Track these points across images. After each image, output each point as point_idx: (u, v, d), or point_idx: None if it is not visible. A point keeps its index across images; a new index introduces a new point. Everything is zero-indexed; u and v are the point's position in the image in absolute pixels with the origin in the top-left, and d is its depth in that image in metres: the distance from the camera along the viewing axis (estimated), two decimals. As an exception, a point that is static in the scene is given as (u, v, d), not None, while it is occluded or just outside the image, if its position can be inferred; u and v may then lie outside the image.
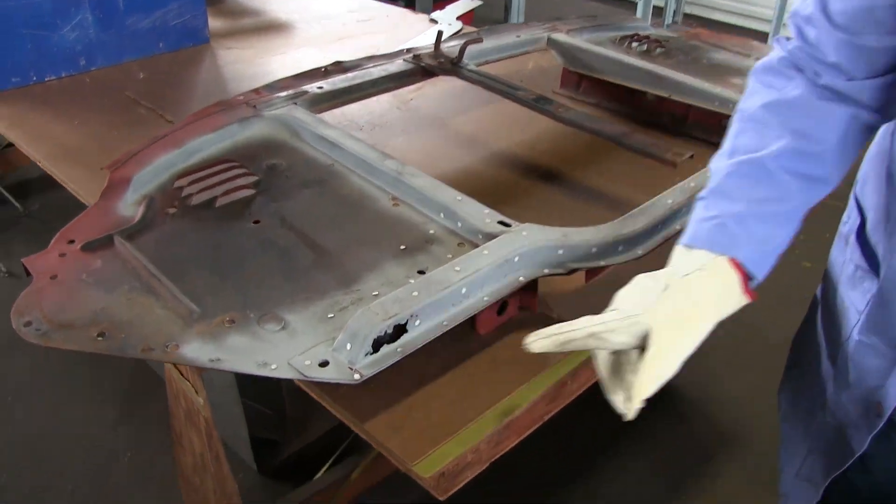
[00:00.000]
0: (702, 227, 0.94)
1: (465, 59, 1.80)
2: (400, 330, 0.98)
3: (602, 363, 0.90)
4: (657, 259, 1.02)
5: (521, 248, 1.10)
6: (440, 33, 1.86)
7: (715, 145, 1.05)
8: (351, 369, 0.94)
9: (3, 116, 1.90)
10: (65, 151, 1.71)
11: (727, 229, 0.92)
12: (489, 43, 1.92)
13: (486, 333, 1.13)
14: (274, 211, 1.28)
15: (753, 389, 2.53)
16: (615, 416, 0.88)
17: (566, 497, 2.18)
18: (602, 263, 1.14)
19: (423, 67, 1.81)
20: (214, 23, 2.53)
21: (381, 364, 0.95)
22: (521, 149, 1.74)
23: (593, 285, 1.21)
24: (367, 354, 0.95)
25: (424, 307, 0.99)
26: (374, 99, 1.81)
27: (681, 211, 1.26)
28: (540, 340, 0.89)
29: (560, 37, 2.01)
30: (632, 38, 2.11)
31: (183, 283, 1.10)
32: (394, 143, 1.73)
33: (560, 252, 1.13)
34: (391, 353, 0.97)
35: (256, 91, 1.65)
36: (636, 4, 5.06)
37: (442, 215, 1.24)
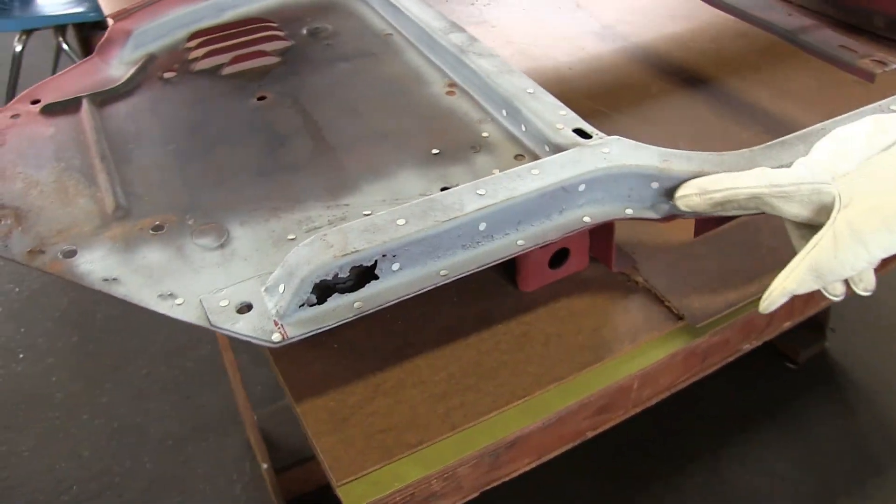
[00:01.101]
0: None
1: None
2: (366, 275, 0.64)
3: (791, 233, 0.69)
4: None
5: (592, 171, 0.71)
6: None
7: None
8: (276, 324, 0.61)
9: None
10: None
11: None
12: None
13: (532, 291, 0.77)
14: (290, 87, 0.96)
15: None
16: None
17: (680, 481, 1.79)
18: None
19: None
20: None
21: (320, 322, 0.62)
22: (669, 45, 1.29)
23: (707, 241, 0.80)
24: (304, 305, 0.62)
25: (409, 244, 0.64)
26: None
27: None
28: (691, 196, 0.69)
29: None
30: None
31: (127, 169, 0.82)
32: (503, 22, 1.33)
33: (654, 185, 0.72)
34: (343, 307, 0.63)
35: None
36: None
37: (504, 112, 0.87)
